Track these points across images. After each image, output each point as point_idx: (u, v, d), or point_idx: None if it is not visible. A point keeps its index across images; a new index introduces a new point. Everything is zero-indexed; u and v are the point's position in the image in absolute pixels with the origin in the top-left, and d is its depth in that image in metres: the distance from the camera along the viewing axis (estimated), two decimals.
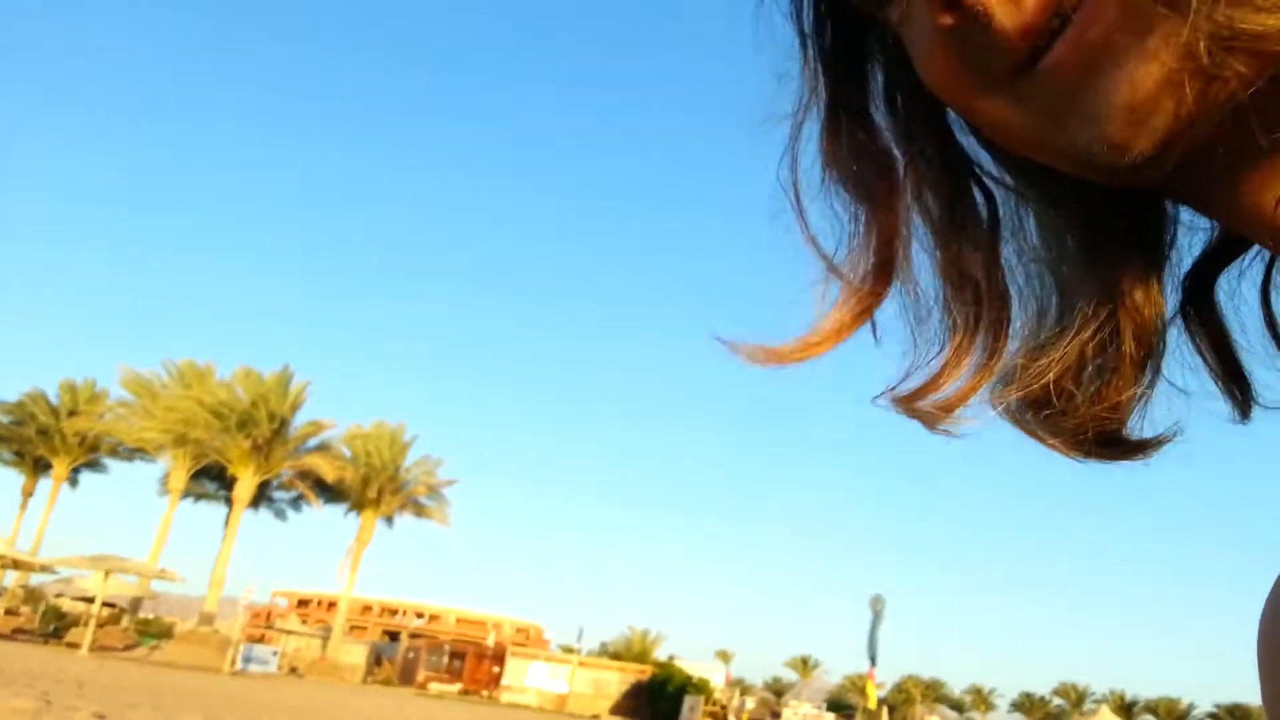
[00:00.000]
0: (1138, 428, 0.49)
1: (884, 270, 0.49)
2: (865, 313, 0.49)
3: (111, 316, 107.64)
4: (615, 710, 44.06)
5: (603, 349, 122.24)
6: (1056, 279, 0.49)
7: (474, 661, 47.11)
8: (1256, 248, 0.48)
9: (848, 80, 0.50)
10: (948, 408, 0.48)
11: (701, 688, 44.72)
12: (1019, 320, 0.49)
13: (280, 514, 49.37)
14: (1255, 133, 0.35)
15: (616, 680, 46.88)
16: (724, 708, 44.55)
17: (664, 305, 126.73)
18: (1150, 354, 0.48)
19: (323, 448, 45.75)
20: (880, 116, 0.50)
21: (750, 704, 53.21)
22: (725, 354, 0.48)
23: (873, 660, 32.70)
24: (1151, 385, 0.49)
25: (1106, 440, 0.49)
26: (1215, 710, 71.26)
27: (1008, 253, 0.50)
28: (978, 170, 0.50)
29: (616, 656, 63.19)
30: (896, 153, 0.50)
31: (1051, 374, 0.47)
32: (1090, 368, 0.48)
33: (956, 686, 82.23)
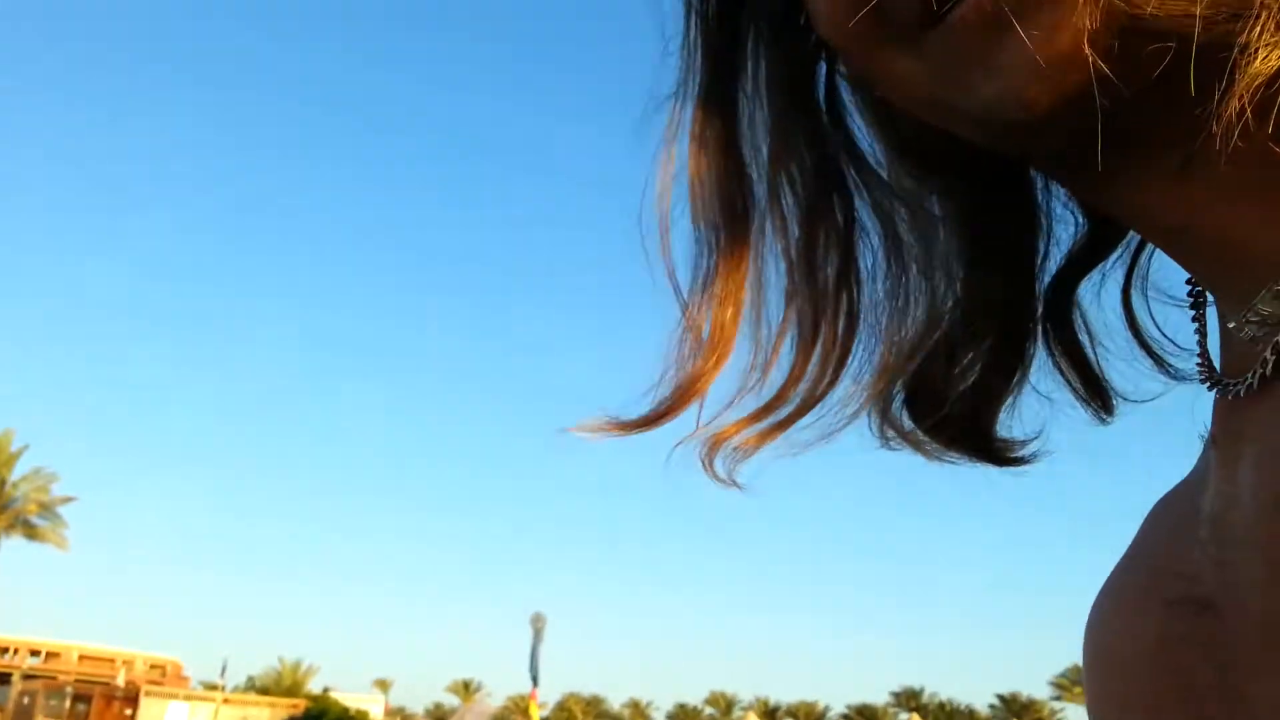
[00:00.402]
0: (1007, 429, 0.51)
1: (734, 312, 0.48)
2: (721, 359, 0.48)
3: None
4: None
5: (225, 350, 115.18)
6: (923, 276, 0.50)
7: (102, 704, 42.62)
8: (1119, 253, 0.50)
9: (727, 57, 0.49)
10: (785, 424, 0.48)
11: (362, 719, 43.01)
12: (877, 317, 0.50)
13: None
14: (1162, 116, 0.35)
15: (266, 716, 44.11)
16: None
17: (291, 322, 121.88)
18: (1020, 354, 0.50)
19: None
20: (750, 105, 0.49)
21: None
22: (576, 440, 0.46)
23: (535, 680, 32.69)
24: (1020, 386, 0.50)
25: (973, 441, 0.50)
26: (847, 711, 78.20)
27: (865, 253, 0.50)
28: (844, 169, 0.50)
29: (265, 691, 59.61)
30: (756, 161, 0.49)
31: (916, 372, 0.48)
32: (958, 368, 0.49)
33: (616, 701, 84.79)
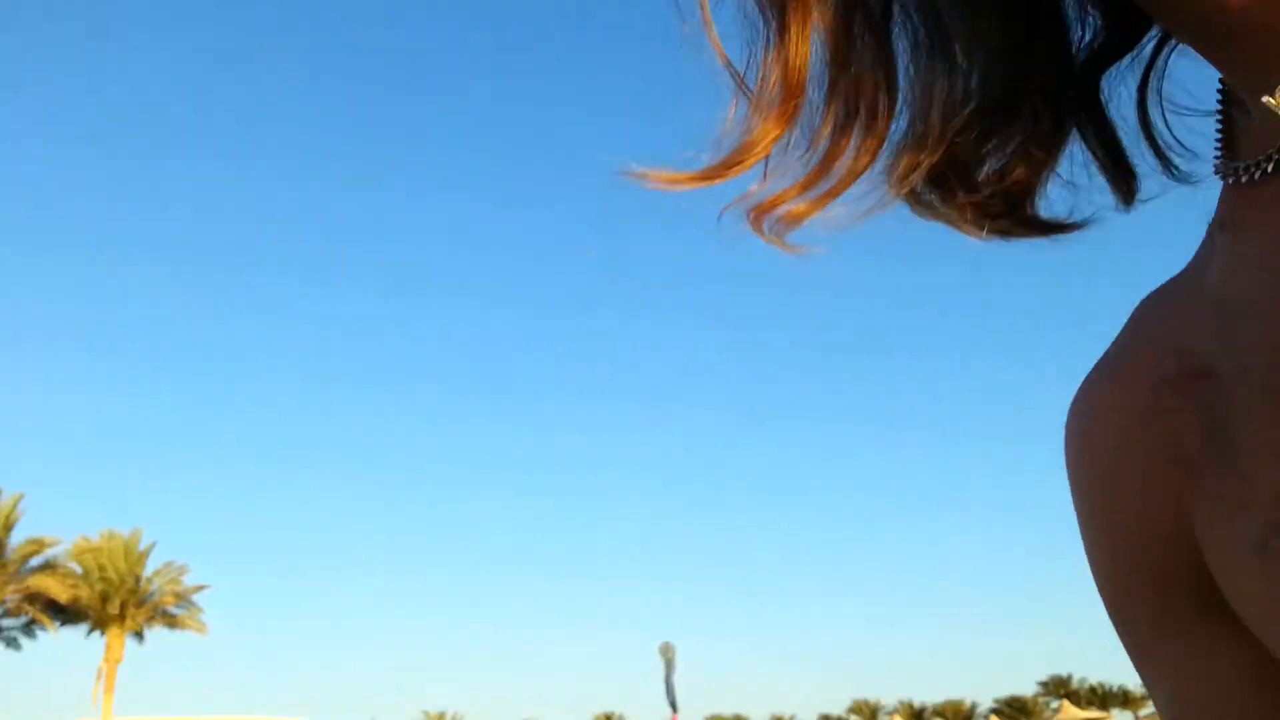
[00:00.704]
0: (1042, 208, 0.52)
1: (794, 84, 0.48)
2: (782, 127, 0.48)
3: None
4: None
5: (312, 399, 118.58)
6: (960, 51, 0.50)
7: None
8: (1136, 50, 0.51)
9: None
10: (830, 194, 0.49)
11: None
12: (914, 94, 0.50)
13: (12, 643, 44.91)
14: None
15: None
16: None
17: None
18: (1054, 136, 0.50)
19: (48, 566, 42.32)
20: None
21: None
22: (636, 183, 0.47)
23: (674, 707, 33.05)
24: (1056, 160, 0.51)
25: (1014, 216, 0.51)
26: (996, 705, 76.33)
27: (903, 30, 0.50)
28: None
29: None
30: None
31: (952, 144, 0.49)
32: (995, 140, 0.50)
33: (758, 717, 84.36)
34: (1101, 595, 0.48)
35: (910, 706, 77.96)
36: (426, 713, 71.00)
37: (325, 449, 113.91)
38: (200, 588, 46.10)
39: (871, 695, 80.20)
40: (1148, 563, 0.45)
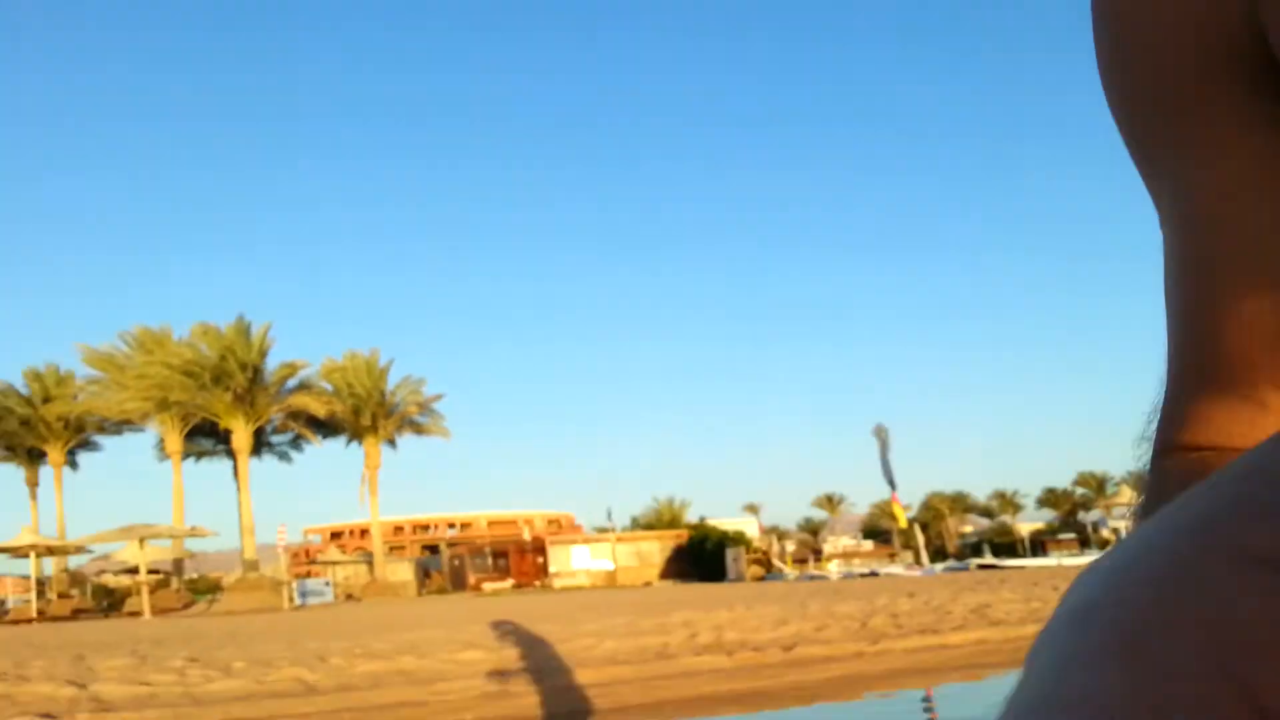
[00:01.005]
0: None
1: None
2: None
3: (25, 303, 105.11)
4: (664, 575, 45.29)
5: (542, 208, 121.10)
6: None
7: (517, 557, 48.11)
8: None
9: None
10: None
11: (739, 540, 45.86)
12: None
13: (284, 456, 49.75)
14: None
15: (658, 549, 48.03)
16: (765, 554, 45.71)
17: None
18: None
19: (304, 387, 45.90)
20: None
21: (790, 546, 54.61)
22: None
23: (891, 485, 33.56)
24: None
25: None
26: None
27: None
28: None
29: (649, 528, 64.55)
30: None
31: None
32: None
33: (981, 495, 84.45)
34: (1124, 79, 0.45)
35: (1140, 478, 75.73)
36: (656, 498, 74.70)
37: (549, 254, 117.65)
38: (437, 397, 49.21)
39: (1098, 468, 78.47)
40: (1195, 34, 0.42)
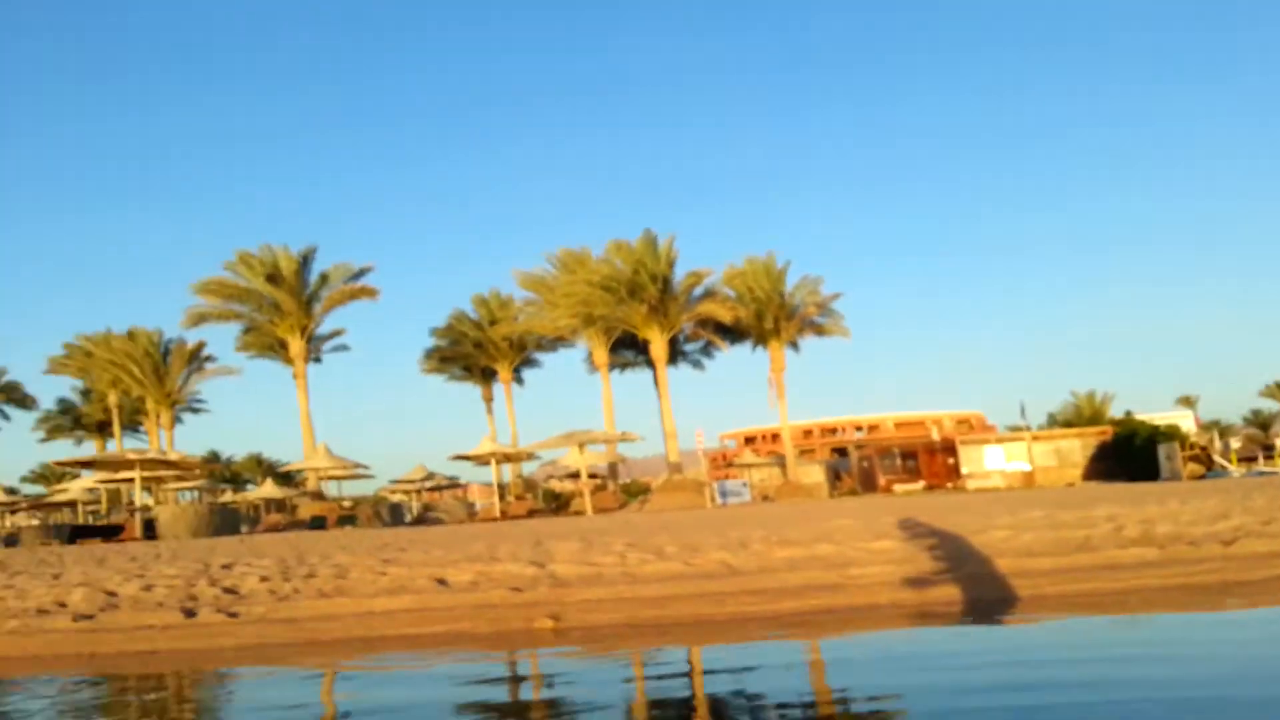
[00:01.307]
0: None
1: None
2: None
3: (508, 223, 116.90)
4: (1087, 475, 42.70)
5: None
6: None
7: (927, 458, 47.55)
8: None
9: None
10: None
11: (1173, 434, 41.97)
12: None
13: (697, 364, 52.36)
14: None
15: (1078, 447, 45.27)
16: (1204, 450, 41.53)
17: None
18: None
19: (709, 294, 47.56)
20: None
21: (1235, 443, 49.24)
22: None
23: None
24: None
25: None
26: None
27: None
28: None
29: (1067, 425, 60.96)
30: None
31: None
32: None
33: None
34: None
35: None
36: (1075, 393, 70.42)
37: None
38: (835, 296, 49.28)
39: None
40: None
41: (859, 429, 75.48)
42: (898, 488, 44.00)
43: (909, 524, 10.95)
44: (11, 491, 52.81)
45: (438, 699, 4.57)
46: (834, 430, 75.98)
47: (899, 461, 48.91)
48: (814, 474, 48.18)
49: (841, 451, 62.30)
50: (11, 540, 28.69)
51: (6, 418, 62.90)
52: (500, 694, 4.76)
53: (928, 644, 5.93)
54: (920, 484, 44.86)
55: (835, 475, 49.90)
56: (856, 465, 50.48)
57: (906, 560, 8.31)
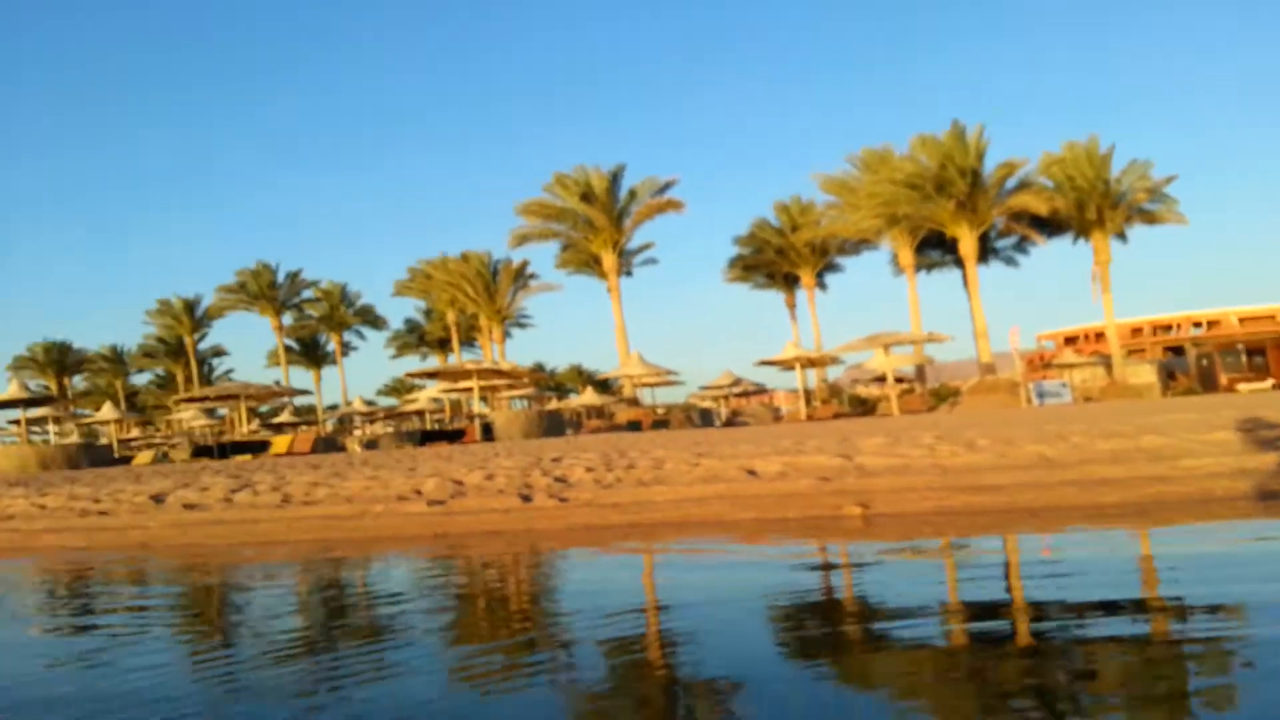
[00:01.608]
0: None
1: None
2: None
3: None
4: None
5: None
6: None
7: (1276, 354, 42.93)
8: None
9: None
10: None
11: None
12: None
13: (1010, 261, 49.80)
14: None
15: None
16: None
17: None
18: None
19: (1023, 186, 44.70)
20: None
21: None
22: None
23: None
24: None
25: None
26: None
27: None
28: None
29: None
30: None
31: None
32: None
33: None
34: None
35: None
36: None
37: None
38: (1169, 179, 44.95)
39: None
40: None
41: (1196, 325, 68.92)
42: (1242, 386, 40.08)
43: (1253, 421, 10.06)
44: (370, 403, 59.57)
45: (749, 583, 4.76)
46: (1167, 327, 69.83)
47: (1244, 358, 44.52)
48: (1144, 374, 44.70)
49: (1176, 350, 57.33)
50: (371, 445, 32.50)
51: (363, 338, 71.29)
52: (813, 581, 4.82)
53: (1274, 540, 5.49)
54: (1269, 382, 40.62)
55: (1169, 375, 46.10)
56: (1194, 363, 46.37)
57: (1247, 454, 7.70)
